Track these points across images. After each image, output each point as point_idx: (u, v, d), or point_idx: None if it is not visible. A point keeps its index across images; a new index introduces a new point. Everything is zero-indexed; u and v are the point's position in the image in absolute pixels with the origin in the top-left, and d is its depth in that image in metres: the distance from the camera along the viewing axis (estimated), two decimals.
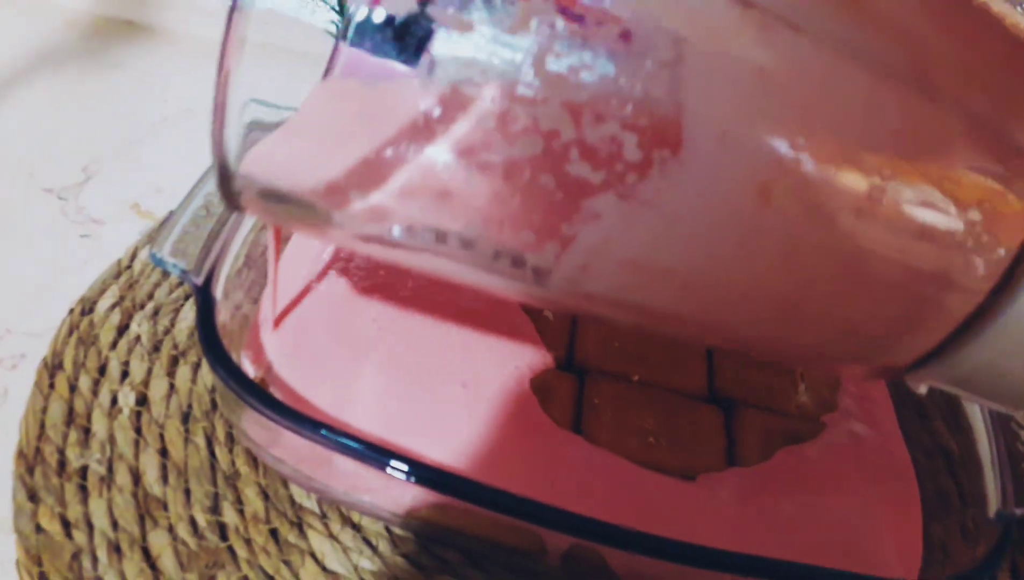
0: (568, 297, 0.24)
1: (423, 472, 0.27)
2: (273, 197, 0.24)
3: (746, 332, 0.24)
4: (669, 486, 0.33)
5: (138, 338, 0.38)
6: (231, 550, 0.32)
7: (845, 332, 0.23)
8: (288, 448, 0.31)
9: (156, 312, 0.39)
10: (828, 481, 0.35)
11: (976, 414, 0.35)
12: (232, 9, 0.20)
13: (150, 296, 0.40)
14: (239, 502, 0.33)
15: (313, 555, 0.32)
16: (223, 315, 0.33)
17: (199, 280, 0.31)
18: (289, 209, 0.24)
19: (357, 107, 0.22)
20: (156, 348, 0.38)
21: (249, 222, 0.35)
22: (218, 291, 0.32)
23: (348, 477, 0.31)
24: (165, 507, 0.32)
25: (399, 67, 0.20)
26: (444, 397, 0.33)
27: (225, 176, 0.23)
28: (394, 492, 0.30)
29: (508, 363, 0.35)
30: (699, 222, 0.21)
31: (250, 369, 0.33)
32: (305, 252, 0.38)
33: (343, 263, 0.38)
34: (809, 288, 0.22)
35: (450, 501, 0.28)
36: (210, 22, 0.59)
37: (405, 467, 0.27)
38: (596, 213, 0.20)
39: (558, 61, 0.19)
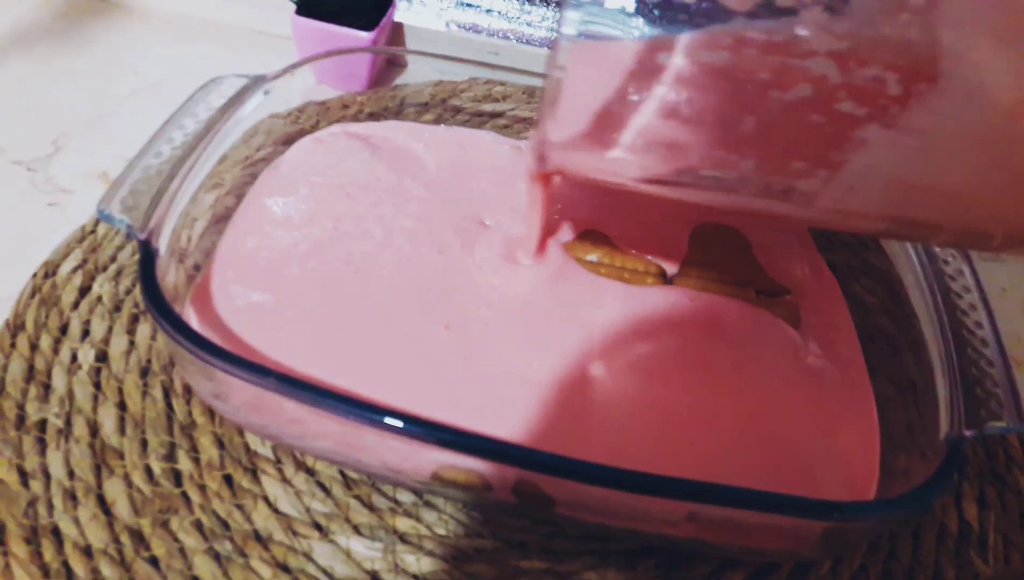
0: (829, 215, 0.27)
1: (369, 414, 0.27)
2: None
3: (977, 223, 0.27)
4: (625, 417, 0.33)
5: (100, 298, 0.38)
6: (185, 496, 0.32)
7: None
8: (239, 397, 0.31)
9: (119, 274, 0.40)
10: (786, 408, 0.34)
11: (934, 342, 0.34)
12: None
13: (113, 258, 0.40)
14: (194, 450, 0.34)
15: (266, 499, 0.33)
16: (176, 274, 0.34)
17: (143, 235, 0.31)
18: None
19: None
20: (117, 308, 0.38)
21: (195, 182, 0.35)
22: (163, 246, 0.32)
23: (301, 424, 0.31)
24: (121, 457, 0.33)
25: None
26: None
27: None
28: (350, 437, 0.31)
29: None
30: (955, 139, 0.24)
31: (195, 320, 0.33)
32: (266, 207, 0.39)
33: (312, 213, 0.39)
34: None
35: (398, 440, 0.29)
36: None
37: (363, 412, 0.27)
38: (862, 141, 0.24)
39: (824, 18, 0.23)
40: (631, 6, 0.24)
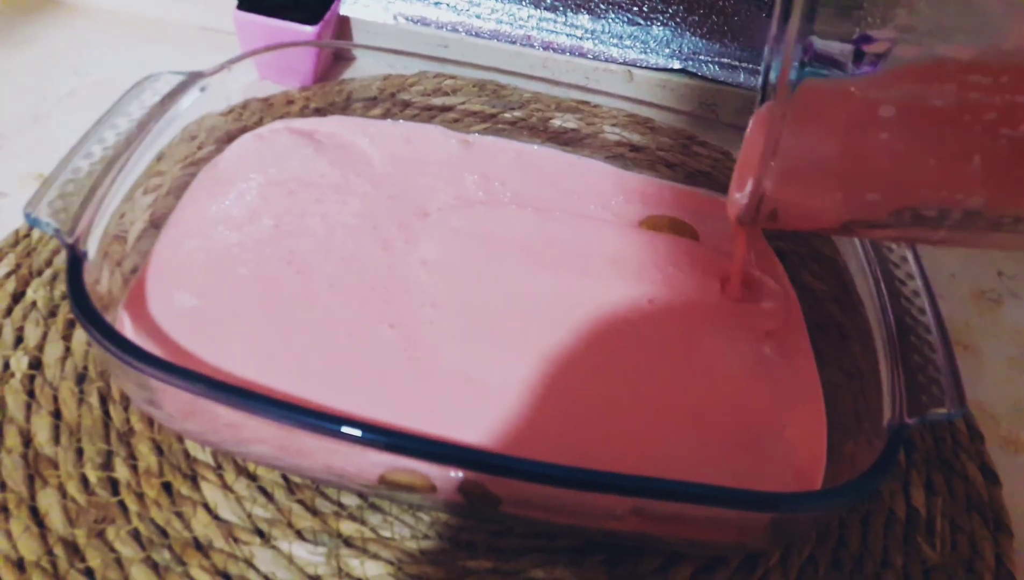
0: None
1: (306, 418, 0.26)
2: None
3: None
4: (571, 410, 0.33)
5: (34, 304, 0.37)
6: (122, 504, 0.31)
7: None
8: (173, 404, 0.30)
9: (54, 278, 0.39)
10: (735, 395, 0.34)
11: (878, 329, 0.34)
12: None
13: (48, 263, 0.39)
14: (132, 458, 0.33)
15: (206, 505, 0.32)
16: (110, 279, 0.33)
17: (70, 239, 0.30)
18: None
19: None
20: (52, 313, 0.37)
21: (129, 182, 0.35)
22: (93, 249, 0.31)
23: (238, 429, 0.31)
24: (56, 466, 0.32)
25: None
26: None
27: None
28: (288, 441, 0.30)
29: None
30: None
31: (128, 326, 0.32)
32: (204, 206, 0.38)
33: (252, 212, 0.38)
34: None
35: (339, 444, 0.28)
36: None
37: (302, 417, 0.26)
38: None
39: None
40: (848, 47, 0.24)
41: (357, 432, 0.26)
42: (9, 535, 0.30)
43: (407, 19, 0.55)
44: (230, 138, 0.43)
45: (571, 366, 0.34)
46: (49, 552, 0.30)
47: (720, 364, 0.36)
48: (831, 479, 0.33)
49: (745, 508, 0.27)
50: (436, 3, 0.55)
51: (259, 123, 0.45)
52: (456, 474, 0.28)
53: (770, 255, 0.42)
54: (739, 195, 0.31)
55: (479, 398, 0.32)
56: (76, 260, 0.30)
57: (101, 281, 0.32)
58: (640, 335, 0.36)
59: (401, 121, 0.46)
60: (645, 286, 0.37)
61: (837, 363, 0.38)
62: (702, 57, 0.53)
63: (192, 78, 0.38)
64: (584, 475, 0.26)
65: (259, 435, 0.29)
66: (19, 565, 0.30)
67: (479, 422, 0.31)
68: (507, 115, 0.50)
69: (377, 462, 0.29)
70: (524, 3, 0.55)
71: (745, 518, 0.28)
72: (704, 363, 0.36)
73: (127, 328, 0.32)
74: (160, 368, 0.27)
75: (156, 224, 0.38)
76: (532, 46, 0.55)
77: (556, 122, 0.49)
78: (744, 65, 0.53)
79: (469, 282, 0.37)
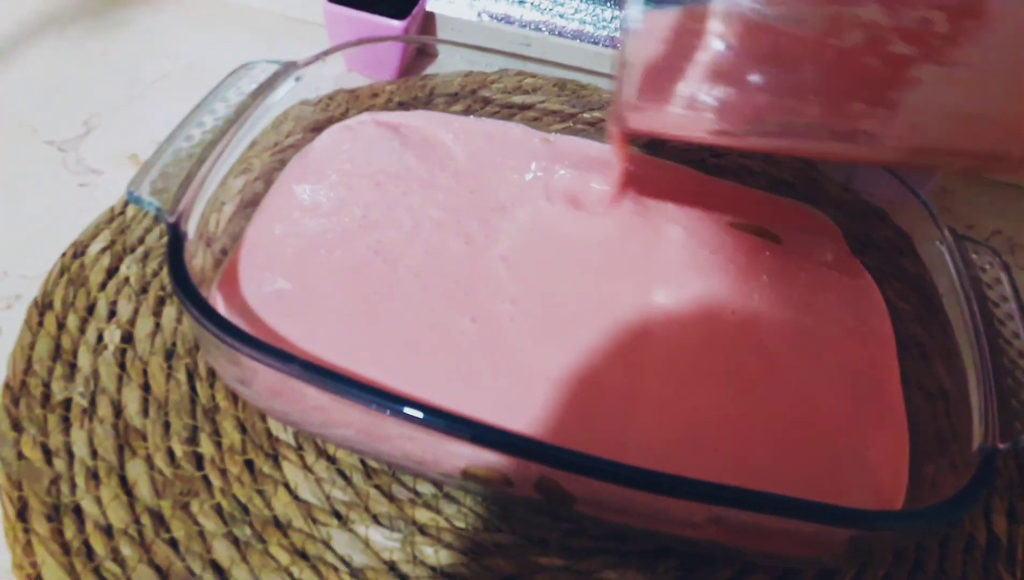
0: (894, 153, 0.30)
1: (396, 405, 0.27)
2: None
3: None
4: (652, 415, 0.33)
5: (127, 280, 0.38)
6: (206, 479, 0.32)
7: None
8: (263, 382, 0.31)
9: (146, 256, 0.40)
10: (819, 411, 0.34)
11: (969, 351, 0.34)
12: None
13: (141, 240, 0.40)
14: (216, 434, 0.34)
15: (287, 485, 0.33)
16: (203, 258, 0.34)
17: (172, 218, 0.31)
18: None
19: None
20: (144, 290, 0.38)
21: (224, 166, 0.35)
22: (191, 229, 0.32)
23: (324, 411, 0.31)
24: (144, 438, 0.33)
25: None
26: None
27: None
28: (372, 426, 0.30)
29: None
30: (1007, 67, 0.26)
31: (222, 305, 0.33)
32: (295, 194, 0.39)
33: (340, 201, 0.38)
34: None
35: (422, 432, 0.28)
36: None
37: (384, 402, 0.27)
38: (917, 79, 0.26)
39: None
40: None
41: (446, 423, 0.26)
42: (99, 502, 0.31)
43: (491, 16, 0.56)
44: (317, 127, 0.44)
45: (652, 371, 0.34)
46: (136, 521, 0.31)
47: (806, 378, 0.35)
48: (911, 502, 0.32)
49: (828, 523, 0.27)
50: (520, 2, 0.55)
51: (345, 114, 0.46)
52: (532, 470, 0.29)
53: (860, 269, 0.41)
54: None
55: (558, 397, 0.32)
56: (177, 239, 0.31)
57: (195, 260, 0.33)
58: (723, 341, 0.35)
59: (483, 118, 0.47)
60: (729, 291, 0.37)
61: (918, 383, 0.37)
62: None
63: (287, 68, 0.39)
64: (661, 479, 0.26)
65: (345, 419, 0.30)
66: (108, 531, 0.31)
67: (555, 420, 0.32)
68: (587, 115, 0.49)
69: (458, 453, 0.29)
70: (607, 4, 0.55)
71: (825, 533, 0.28)
72: (789, 375, 0.35)
73: (220, 307, 0.33)
74: (255, 347, 0.28)
75: (246, 207, 0.38)
76: (615, 47, 0.55)
77: None
78: None
79: (548, 280, 0.37)
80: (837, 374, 0.35)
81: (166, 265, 0.30)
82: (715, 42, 0.28)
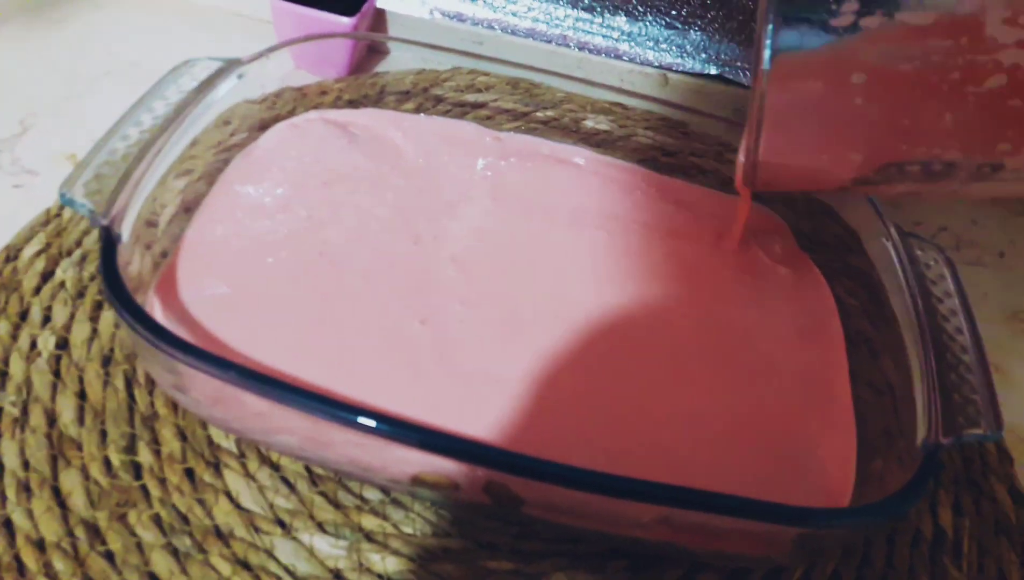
0: None
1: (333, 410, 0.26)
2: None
3: None
4: (601, 414, 0.32)
5: (63, 284, 0.37)
6: (144, 489, 0.31)
7: None
8: (201, 390, 0.30)
9: (83, 259, 0.39)
10: (767, 407, 0.34)
11: (914, 347, 0.34)
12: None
13: (78, 243, 0.39)
14: (155, 442, 0.33)
15: (228, 494, 0.32)
16: (140, 262, 0.33)
17: (105, 220, 0.30)
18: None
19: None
20: (81, 294, 0.37)
21: (163, 166, 0.34)
22: (126, 232, 0.31)
23: (265, 419, 0.30)
24: (79, 447, 0.32)
25: None
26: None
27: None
28: (316, 433, 0.30)
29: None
30: None
31: (159, 310, 0.32)
32: (238, 193, 0.38)
33: (285, 201, 0.38)
34: None
35: (368, 438, 0.28)
36: None
37: (325, 406, 0.26)
38: None
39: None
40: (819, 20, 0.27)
41: (391, 428, 0.26)
42: (31, 515, 0.30)
43: (443, 14, 0.55)
44: (263, 126, 0.43)
45: (600, 369, 0.34)
46: (70, 534, 0.30)
47: (755, 376, 0.35)
48: (859, 497, 0.32)
49: (776, 522, 0.27)
50: None
51: (292, 112, 0.45)
52: (481, 473, 0.28)
53: (810, 265, 0.41)
54: (742, 159, 0.33)
55: (506, 399, 0.32)
56: (110, 242, 0.30)
57: (132, 264, 0.32)
58: (672, 341, 0.35)
59: (434, 116, 0.46)
60: (678, 291, 0.37)
61: (866, 379, 0.37)
62: (739, 64, 0.53)
63: (230, 65, 0.38)
64: (610, 480, 0.26)
65: (287, 425, 0.29)
66: (39, 545, 0.29)
67: (506, 423, 0.31)
68: (540, 114, 0.49)
69: (405, 458, 0.29)
70: (561, 2, 0.54)
71: (774, 531, 0.28)
72: (739, 374, 0.35)
73: (157, 312, 0.32)
74: (191, 354, 0.27)
75: (187, 209, 0.37)
76: (568, 46, 0.55)
77: (589, 123, 0.48)
78: None
79: (497, 281, 0.37)
80: (786, 372, 0.35)
81: (99, 270, 0.29)
82: (851, 90, 0.27)
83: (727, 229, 0.41)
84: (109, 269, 0.29)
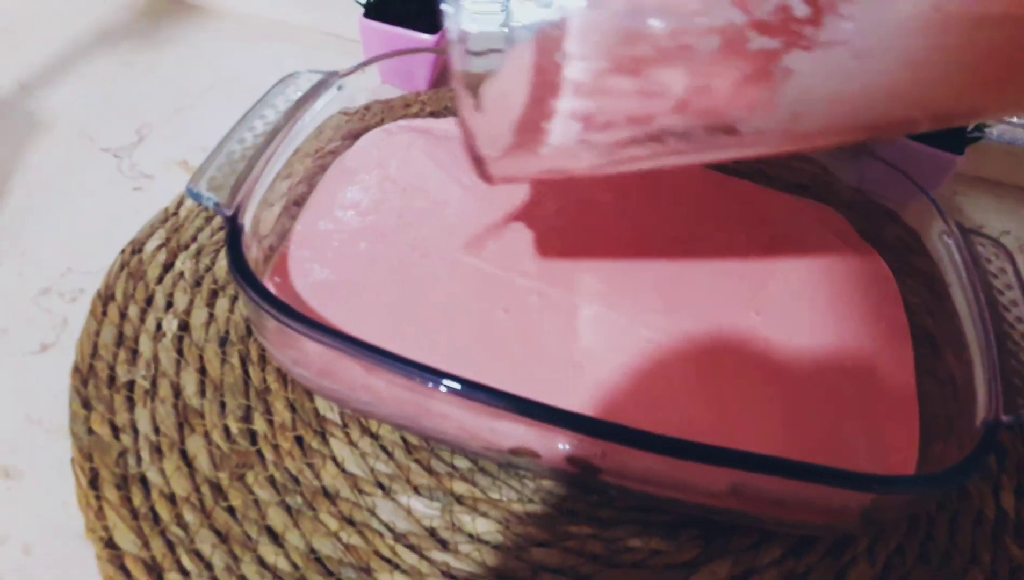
0: (785, 143, 0.27)
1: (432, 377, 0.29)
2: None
3: (937, 104, 0.26)
4: (676, 392, 0.35)
5: (181, 274, 0.41)
6: (260, 453, 0.35)
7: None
8: (314, 363, 0.34)
9: (199, 252, 0.43)
10: (838, 398, 0.36)
11: (975, 336, 0.35)
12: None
13: (193, 238, 0.43)
14: (268, 413, 0.36)
15: (334, 459, 0.35)
16: (255, 252, 0.37)
17: (229, 211, 0.34)
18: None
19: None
20: (198, 283, 0.41)
21: (279, 163, 0.38)
22: (247, 221, 0.35)
23: (370, 390, 0.34)
24: (202, 416, 0.36)
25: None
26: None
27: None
28: (415, 404, 0.33)
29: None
30: (881, 40, 0.23)
31: (274, 292, 0.36)
32: (337, 194, 0.41)
33: (378, 201, 0.41)
34: (989, 57, 0.24)
35: (464, 408, 0.31)
36: (254, 0, 0.63)
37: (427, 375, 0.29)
38: (788, 70, 0.24)
39: None
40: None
41: (491, 397, 0.29)
42: (163, 473, 0.34)
43: None
44: (354, 135, 0.46)
45: (673, 354, 0.36)
46: (197, 490, 0.33)
47: (825, 368, 0.37)
48: None
49: (842, 486, 0.29)
50: None
51: (380, 123, 0.48)
52: (561, 443, 0.31)
53: (878, 260, 0.43)
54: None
55: (583, 381, 0.35)
56: (235, 230, 0.33)
57: (250, 252, 0.36)
58: (747, 333, 0.37)
59: None
60: (751, 288, 0.39)
61: (930, 372, 0.39)
62: None
63: (330, 77, 0.42)
64: (689, 447, 0.28)
65: (393, 395, 0.32)
66: (171, 499, 0.33)
67: (582, 403, 0.34)
68: None
69: (495, 428, 0.31)
70: None
71: (842, 499, 0.30)
72: (810, 366, 0.37)
73: (273, 290, 0.36)
74: (312, 327, 0.30)
75: (290, 208, 0.41)
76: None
77: None
78: None
79: (571, 274, 0.40)
80: (854, 363, 0.37)
81: (226, 254, 0.33)
82: (561, 77, 0.25)
83: (792, 229, 0.44)
84: (236, 253, 0.33)
